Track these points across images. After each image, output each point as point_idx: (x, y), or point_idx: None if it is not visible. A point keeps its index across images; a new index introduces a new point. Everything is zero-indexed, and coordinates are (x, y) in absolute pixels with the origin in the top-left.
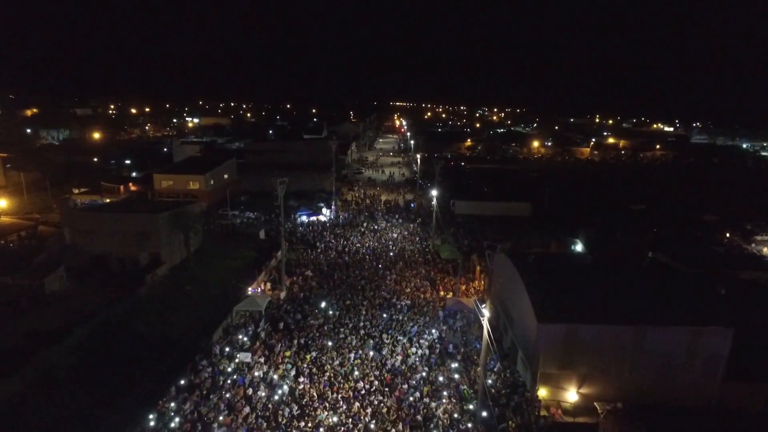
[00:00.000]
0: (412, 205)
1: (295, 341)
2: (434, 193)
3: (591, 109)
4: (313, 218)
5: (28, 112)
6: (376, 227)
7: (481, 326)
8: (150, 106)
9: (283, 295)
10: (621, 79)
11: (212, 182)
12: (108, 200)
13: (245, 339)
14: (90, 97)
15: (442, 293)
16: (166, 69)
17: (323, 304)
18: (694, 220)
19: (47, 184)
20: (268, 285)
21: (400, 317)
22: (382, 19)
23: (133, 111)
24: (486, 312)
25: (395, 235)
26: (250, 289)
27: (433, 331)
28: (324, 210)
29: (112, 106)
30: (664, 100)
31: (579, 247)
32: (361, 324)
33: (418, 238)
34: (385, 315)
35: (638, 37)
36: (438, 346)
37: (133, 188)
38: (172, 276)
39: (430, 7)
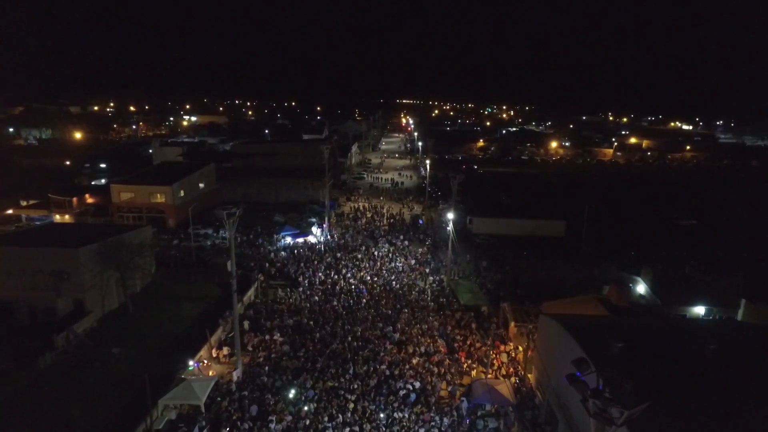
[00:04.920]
0: (421, 221)
1: None
2: (450, 216)
3: (601, 106)
4: (300, 240)
5: (19, 110)
6: (376, 253)
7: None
8: (150, 104)
9: (237, 374)
10: (628, 75)
11: (182, 193)
12: (57, 216)
13: None
14: (91, 95)
15: (464, 365)
16: (171, 66)
17: (292, 394)
18: (761, 240)
19: None
20: (223, 350)
21: (405, 415)
22: (387, 17)
23: (132, 108)
24: None
25: (400, 265)
26: (191, 362)
27: None
28: (314, 229)
29: (111, 104)
30: (678, 95)
31: (641, 288)
32: (347, 431)
33: (428, 269)
34: (382, 415)
35: (646, 29)
36: None
37: (90, 200)
38: (101, 330)
39: (434, 3)
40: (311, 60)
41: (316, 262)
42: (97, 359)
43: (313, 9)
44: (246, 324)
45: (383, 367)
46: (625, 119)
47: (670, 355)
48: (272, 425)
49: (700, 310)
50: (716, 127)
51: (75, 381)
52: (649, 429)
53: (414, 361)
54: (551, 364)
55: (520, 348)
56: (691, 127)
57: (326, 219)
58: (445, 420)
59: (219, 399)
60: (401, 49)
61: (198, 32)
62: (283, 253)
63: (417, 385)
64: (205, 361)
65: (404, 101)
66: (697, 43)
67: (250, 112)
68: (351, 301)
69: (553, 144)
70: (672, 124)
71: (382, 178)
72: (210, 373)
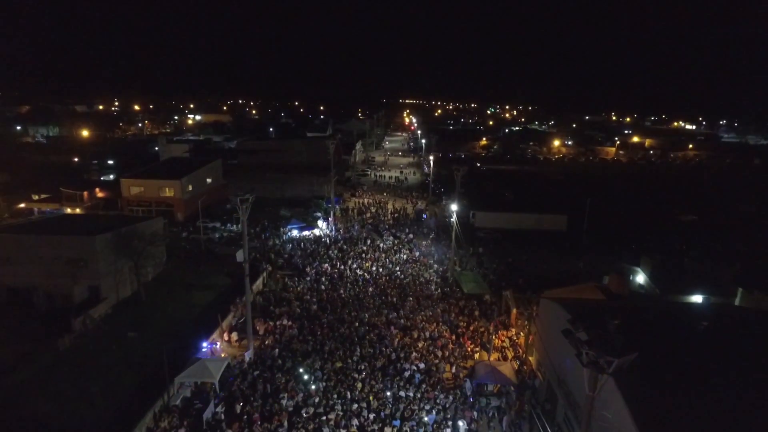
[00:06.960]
0: (425, 215)
1: None
2: (454, 207)
3: (604, 105)
4: (306, 233)
5: (25, 108)
6: (381, 245)
7: (523, 408)
8: (154, 103)
9: (249, 355)
10: (631, 74)
11: (190, 188)
12: (68, 209)
13: None
14: (95, 95)
15: (468, 348)
16: (175, 66)
17: (302, 373)
18: (759, 235)
19: None
20: (234, 335)
21: (411, 394)
22: (390, 17)
23: (137, 108)
24: None
25: (404, 257)
26: (205, 344)
27: (460, 423)
28: (320, 222)
29: (116, 103)
30: (681, 95)
31: (640, 278)
32: (355, 407)
33: (432, 261)
34: (389, 393)
35: (649, 29)
36: None
37: (100, 195)
38: (116, 316)
39: (436, 4)
40: (314, 60)
41: (322, 253)
42: (113, 342)
43: (315, 9)
44: (259, 299)
45: (389, 350)
46: (628, 119)
47: (665, 333)
48: (284, 401)
49: (697, 298)
50: (719, 126)
51: (94, 361)
52: (641, 393)
53: (419, 345)
54: (551, 344)
55: (522, 333)
56: (694, 127)
57: (332, 213)
58: (450, 398)
59: (232, 379)
60: (404, 48)
61: (201, 32)
62: (289, 245)
63: (422, 366)
64: (218, 344)
65: (407, 101)
66: (700, 43)
67: (253, 111)
68: (357, 290)
69: (556, 143)
70: (675, 123)
71: (385, 176)
72: (222, 356)
